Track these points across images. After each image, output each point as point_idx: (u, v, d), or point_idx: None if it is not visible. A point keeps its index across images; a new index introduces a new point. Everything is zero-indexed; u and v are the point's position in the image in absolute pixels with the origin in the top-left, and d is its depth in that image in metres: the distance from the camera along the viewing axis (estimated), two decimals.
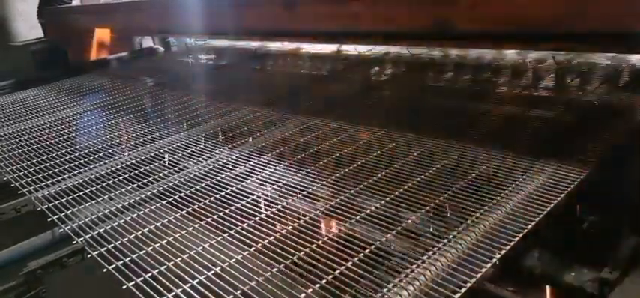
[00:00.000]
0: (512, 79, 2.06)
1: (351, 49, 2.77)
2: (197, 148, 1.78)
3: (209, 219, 1.27)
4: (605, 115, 1.66)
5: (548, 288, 1.17)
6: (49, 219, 1.34)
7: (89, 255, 1.16)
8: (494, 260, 1.00)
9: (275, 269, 1.04)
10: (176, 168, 1.62)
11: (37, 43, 3.69)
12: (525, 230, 1.09)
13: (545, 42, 1.51)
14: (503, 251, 1.03)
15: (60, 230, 1.29)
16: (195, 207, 1.35)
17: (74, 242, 1.22)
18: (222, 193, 1.41)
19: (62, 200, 1.44)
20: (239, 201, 1.35)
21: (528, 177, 1.30)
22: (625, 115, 1.64)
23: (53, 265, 1.25)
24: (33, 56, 3.62)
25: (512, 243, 1.05)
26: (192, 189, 1.46)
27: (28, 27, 3.81)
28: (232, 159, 1.65)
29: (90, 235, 1.23)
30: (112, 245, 1.18)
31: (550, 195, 1.21)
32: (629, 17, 1.20)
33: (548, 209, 1.16)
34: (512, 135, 1.57)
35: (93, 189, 1.51)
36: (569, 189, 1.23)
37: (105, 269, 1.10)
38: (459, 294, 0.93)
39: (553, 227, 1.19)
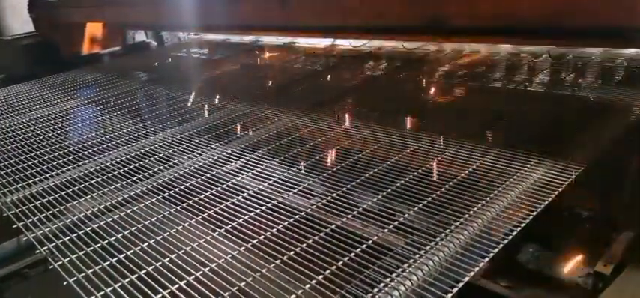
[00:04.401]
0: None
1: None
2: (186, 145, 1.71)
3: (193, 221, 1.22)
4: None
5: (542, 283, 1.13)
6: (15, 226, 1.27)
7: (51, 266, 1.09)
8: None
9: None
10: (163, 167, 1.56)
11: (28, 37, 3.62)
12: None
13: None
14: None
15: (25, 239, 1.22)
16: (175, 209, 1.29)
17: (37, 251, 1.16)
18: (213, 191, 1.36)
19: (31, 205, 1.37)
20: (229, 198, 1.30)
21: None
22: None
23: (15, 275, 1.18)
24: (24, 51, 3.55)
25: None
26: (180, 188, 1.40)
27: (18, 21, 3.74)
28: (223, 155, 1.59)
29: (54, 244, 1.16)
30: (76, 255, 1.11)
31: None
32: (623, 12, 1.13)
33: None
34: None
35: (68, 191, 1.43)
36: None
37: (65, 283, 1.03)
38: None
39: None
